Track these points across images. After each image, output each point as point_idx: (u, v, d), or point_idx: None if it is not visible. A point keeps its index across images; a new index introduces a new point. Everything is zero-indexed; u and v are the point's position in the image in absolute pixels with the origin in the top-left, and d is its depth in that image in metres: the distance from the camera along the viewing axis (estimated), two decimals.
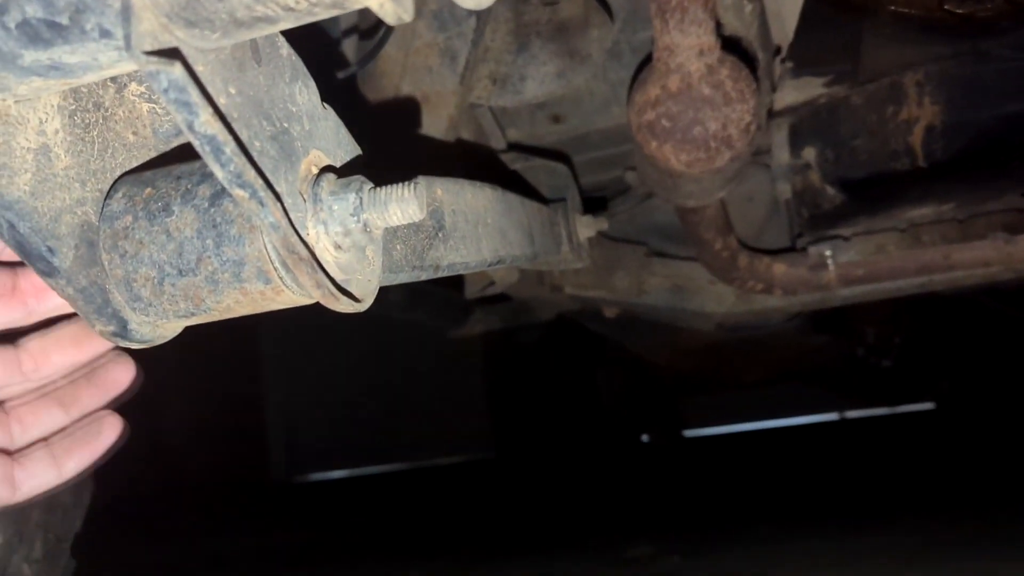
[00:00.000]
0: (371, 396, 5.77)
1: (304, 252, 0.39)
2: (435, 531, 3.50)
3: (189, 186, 0.41)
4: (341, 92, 0.85)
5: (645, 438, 3.84)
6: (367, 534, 3.69)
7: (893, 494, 2.86)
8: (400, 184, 0.43)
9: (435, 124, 1.05)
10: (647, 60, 1.13)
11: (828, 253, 1.40)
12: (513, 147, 1.37)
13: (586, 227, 1.21)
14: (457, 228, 0.66)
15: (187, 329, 0.49)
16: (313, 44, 0.47)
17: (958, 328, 3.33)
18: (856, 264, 1.39)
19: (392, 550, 3.14)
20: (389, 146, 1.06)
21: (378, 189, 0.43)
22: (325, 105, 0.46)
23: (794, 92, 1.21)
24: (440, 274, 0.63)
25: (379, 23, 0.98)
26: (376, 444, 5.84)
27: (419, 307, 2.17)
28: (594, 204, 1.56)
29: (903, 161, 1.17)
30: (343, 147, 0.47)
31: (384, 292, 1.90)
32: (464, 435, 5.33)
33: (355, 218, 0.42)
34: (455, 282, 1.62)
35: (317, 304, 0.44)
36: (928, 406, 5.41)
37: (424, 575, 2.53)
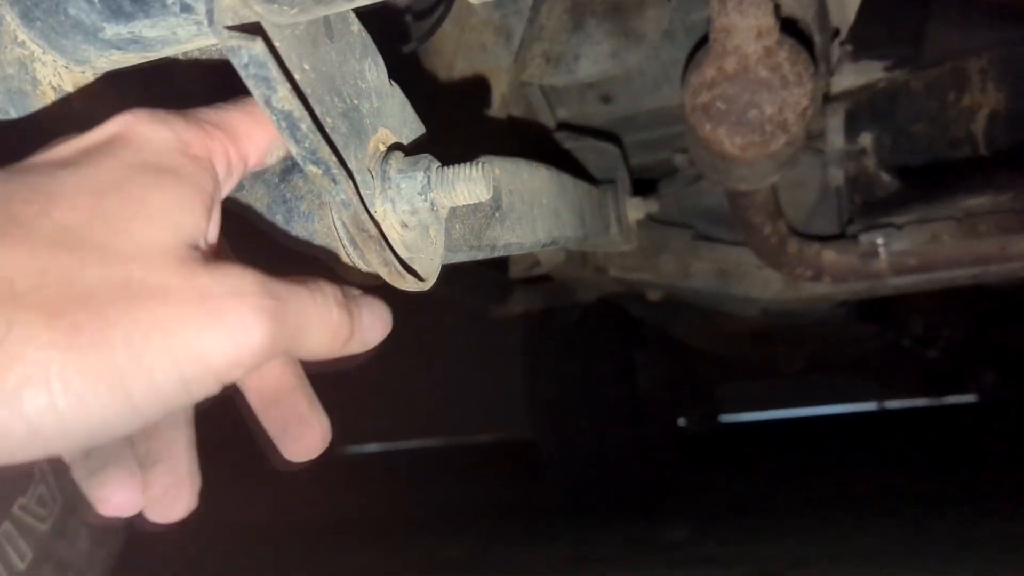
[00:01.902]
0: (408, 371, 5.81)
1: (373, 230, 0.40)
2: (468, 509, 3.53)
3: None
4: (399, 70, 0.85)
5: (682, 422, 3.82)
6: (402, 508, 3.73)
7: (931, 485, 2.82)
8: (468, 164, 0.43)
9: (487, 102, 1.05)
10: (701, 41, 1.11)
11: (880, 241, 1.37)
12: (562, 126, 1.37)
13: (635, 209, 1.20)
14: (514, 208, 0.66)
15: None
16: (376, 21, 0.47)
17: (1007, 320, 3.26)
18: (909, 253, 1.37)
19: (426, 526, 3.17)
20: (443, 123, 1.06)
21: (445, 168, 0.43)
22: (392, 83, 0.46)
23: (852, 76, 1.19)
24: (496, 254, 0.63)
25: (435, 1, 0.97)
26: (412, 419, 5.89)
27: (459, 283, 2.17)
28: (642, 186, 1.55)
29: (963, 149, 1.14)
30: (409, 125, 0.47)
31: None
32: (500, 413, 5.36)
33: (422, 197, 0.42)
34: (498, 261, 1.61)
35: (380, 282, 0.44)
36: (970, 398, 5.32)
37: (457, 552, 2.56)
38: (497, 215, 0.62)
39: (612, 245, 1.22)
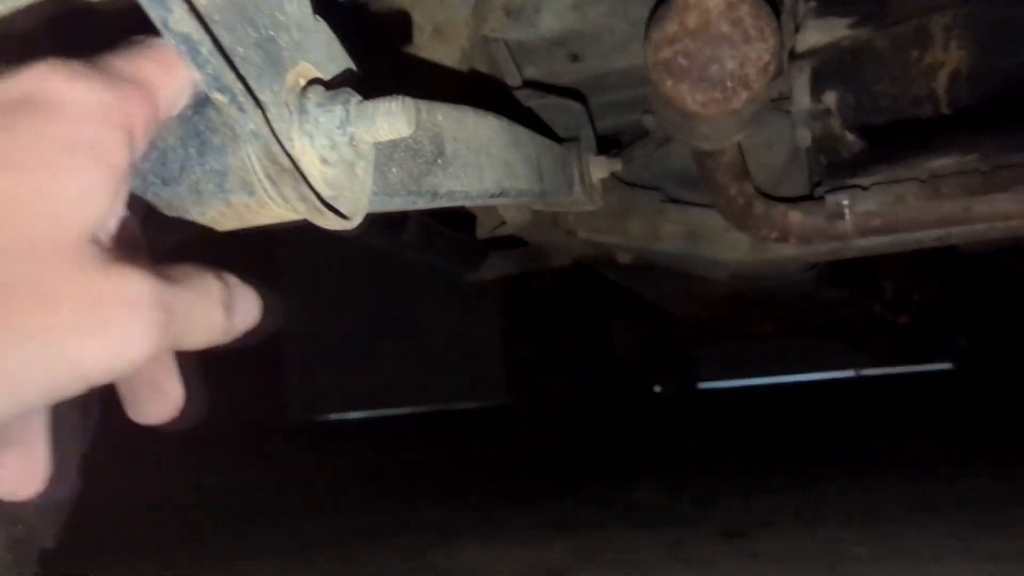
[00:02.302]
0: (388, 340, 5.81)
1: (287, 162, 0.39)
2: (446, 473, 3.55)
3: None
4: (347, 18, 0.83)
5: (659, 389, 3.84)
6: (382, 475, 3.75)
7: (904, 450, 2.86)
8: (389, 98, 0.42)
9: (446, 56, 1.03)
10: None
11: (845, 202, 1.37)
12: (529, 84, 1.35)
13: (599, 168, 1.19)
14: (458, 156, 0.65)
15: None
16: None
17: (978, 287, 3.29)
18: (873, 214, 1.37)
19: (404, 490, 3.19)
20: (399, 77, 1.05)
21: (366, 103, 0.42)
22: (317, 17, 0.45)
23: (817, 33, 1.18)
24: (439, 202, 0.62)
25: None
26: (392, 387, 5.90)
27: (434, 249, 2.17)
28: (612, 147, 1.54)
29: (926, 108, 1.14)
30: (335, 61, 0.46)
31: (400, 232, 1.89)
32: (478, 380, 5.37)
33: (341, 131, 0.41)
34: (471, 226, 1.61)
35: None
36: (946, 366, 5.38)
37: (433, 514, 2.57)
38: (440, 162, 0.62)
39: (576, 204, 1.22)
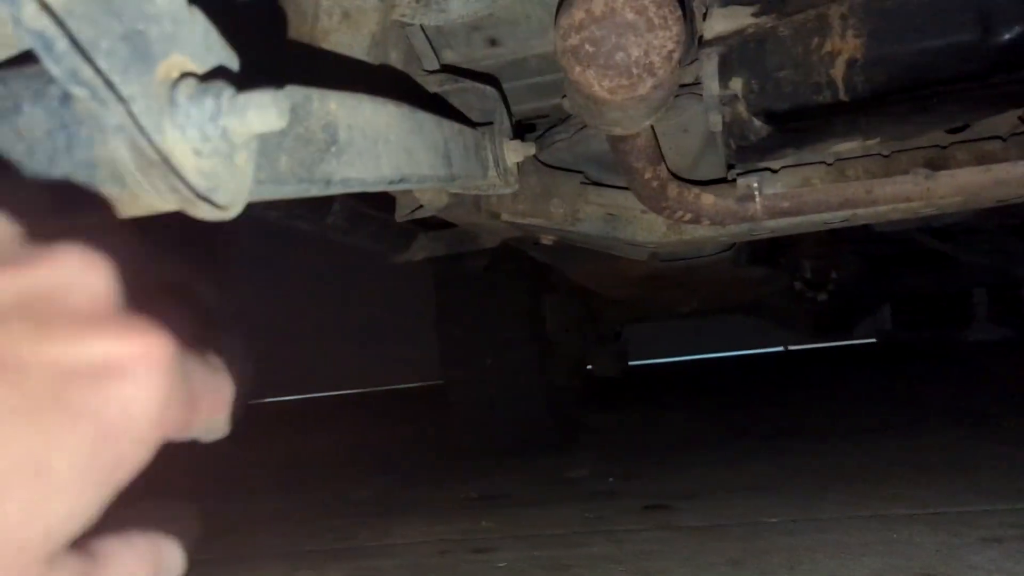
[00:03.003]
0: (321, 323, 5.77)
1: (154, 155, 0.40)
2: (380, 454, 3.56)
3: (40, 85, 0.41)
4: (251, 7, 0.83)
5: (590, 367, 3.90)
6: (315, 455, 3.74)
7: (823, 423, 2.97)
8: (261, 90, 0.43)
9: (356, 41, 1.03)
10: None
11: (755, 185, 1.42)
12: (448, 69, 1.36)
13: (514, 152, 1.21)
14: (353, 143, 0.66)
15: None
16: None
17: (896, 265, 3.41)
18: (782, 196, 1.42)
19: (338, 471, 3.19)
20: (305, 65, 1.05)
21: (239, 95, 0.43)
22: (192, 8, 0.45)
23: (723, 21, 1.21)
24: (333, 189, 0.63)
25: None
26: (324, 370, 5.87)
27: (361, 232, 2.16)
28: (531, 131, 1.56)
29: (825, 94, 1.18)
30: (213, 53, 0.47)
31: (324, 215, 1.88)
32: (413, 361, 5.38)
33: (213, 124, 0.42)
34: (388, 206, 1.61)
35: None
36: (870, 340, 5.57)
37: (366, 493, 2.59)
38: (333, 149, 0.63)
39: (493, 188, 1.24)
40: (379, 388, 5.90)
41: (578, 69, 1.05)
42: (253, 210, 0.59)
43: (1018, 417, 2.61)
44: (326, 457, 3.67)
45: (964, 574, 1.29)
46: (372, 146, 0.69)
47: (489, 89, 1.24)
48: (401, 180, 0.75)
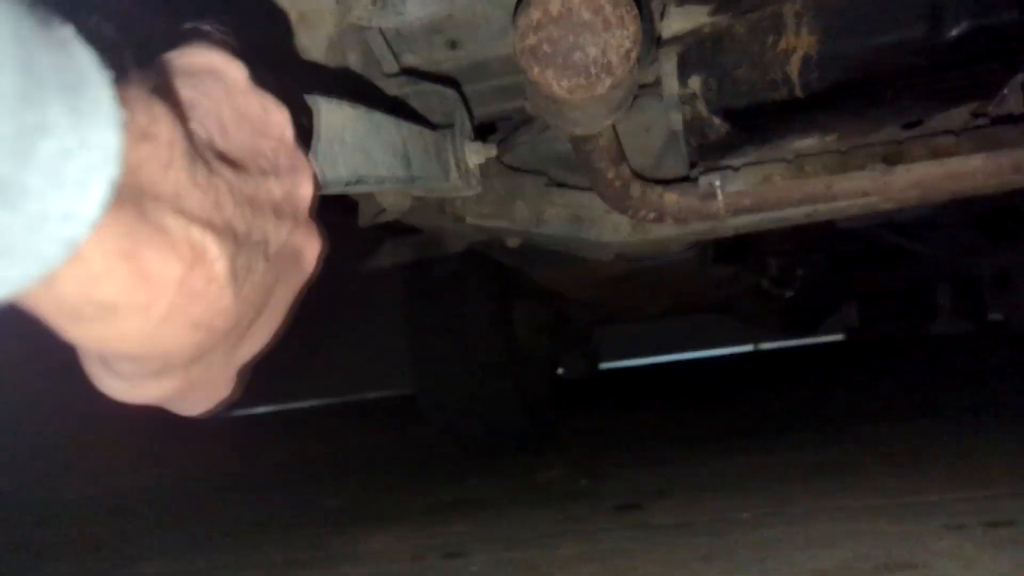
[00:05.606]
0: (291, 333, 5.72)
1: None
2: (349, 463, 3.54)
3: None
4: (204, 12, 0.82)
5: (561, 371, 3.91)
6: (284, 466, 3.71)
7: (793, 419, 3.00)
8: None
9: (313, 43, 1.03)
10: None
11: (717, 183, 1.43)
12: (407, 72, 1.36)
13: (475, 154, 1.21)
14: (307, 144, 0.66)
15: None
16: None
17: (862, 261, 3.46)
18: (744, 194, 1.43)
19: (307, 481, 3.17)
20: (265, 67, 1.04)
21: None
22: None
23: (680, 20, 1.22)
24: None
25: None
26: (299, 379, 5.82)
27: (329, 239, 2.15)
28: (493, 132, 1.56)
29: (781, 91, 1.20)
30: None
31: None
32: (385, 370, 5.35)
33: None
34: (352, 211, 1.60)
35: None
36: (839, 337, 5.64)
37: (336, 502, 2.57)
38: None
39: (455, 190, 1.23)
40: (347, 398, 5.86)
41: (537, 69, 1.05)
42: None
43: (976, 408, 2.66)
44: (297, 467, 3.64)
45: (928, 560, 1.31)
46: (327, 147, 0.68)
47: (450, 91, 1.24)
48: (358, 181, 0.74)
